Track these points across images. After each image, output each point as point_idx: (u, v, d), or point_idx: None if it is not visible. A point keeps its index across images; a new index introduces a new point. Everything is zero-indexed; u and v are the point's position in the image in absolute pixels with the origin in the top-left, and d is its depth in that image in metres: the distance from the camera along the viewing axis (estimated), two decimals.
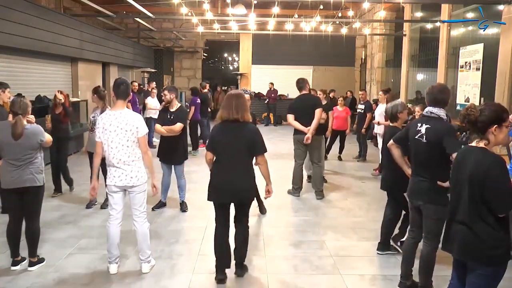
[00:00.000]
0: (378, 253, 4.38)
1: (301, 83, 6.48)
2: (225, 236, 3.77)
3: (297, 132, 6.37)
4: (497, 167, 2.41)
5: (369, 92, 14.63)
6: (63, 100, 6.07)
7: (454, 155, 3.10)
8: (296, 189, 6.55)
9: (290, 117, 6.38)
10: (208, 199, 3.70)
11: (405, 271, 3.63)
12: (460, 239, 2.56)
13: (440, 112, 3.34)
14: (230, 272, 3.92)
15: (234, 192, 3.63)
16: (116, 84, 3.80)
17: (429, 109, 3.38)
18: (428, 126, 3.32)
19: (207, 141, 3.78)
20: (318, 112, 6.22)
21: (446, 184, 3.21)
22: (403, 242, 4.14)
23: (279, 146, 10.93)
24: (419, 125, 3.39)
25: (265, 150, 3.72)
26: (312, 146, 6.33)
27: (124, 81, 3.86)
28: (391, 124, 4.39)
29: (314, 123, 6.18)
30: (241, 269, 3.88)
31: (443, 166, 3.25)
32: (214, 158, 3.70)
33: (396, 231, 4.44)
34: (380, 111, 8.13)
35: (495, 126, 2.47)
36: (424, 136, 3.32)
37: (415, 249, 3.64)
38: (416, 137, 3.38)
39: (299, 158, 6.49)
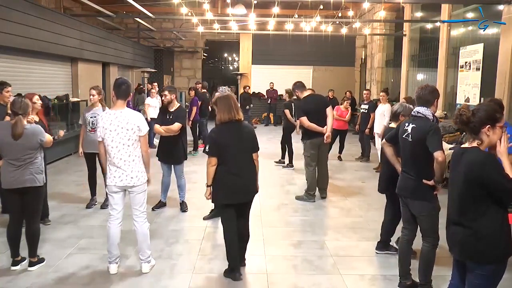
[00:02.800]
0: (376, 253, 4.38)
1: (300, 85, 6.40)
2: (235, 234, 3.82)
3: (313, 135, 6.18)
4: (489, 164, 2.42)
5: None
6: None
7: (436, 153, 3.19)
8: (312, 195, 6.33)
9: (305, 120, 6.14)
10: (219, 202, 3.80)
11: (402, 270, 3.64)
12: (458, 240, 2.57)
13: (427, 112, 3.38)
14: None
15: (246, 191, 3.77)
16: (117, 84, 3.80)
17: (417, 109, 3.43)
18: (414, 125, 3.39)
19: (207, 146, 3.82)
20: (330, 110, 6.26)
21: (431, 182, 3.34)
22: None
23: (279, 146, 10.92)
24: (406, 124, 3.47)
25: (259, 148, 3.89)
26: (326, 146, 6.38)
27: (125, 82, 3.85)
28: (389, 125, 4.39)
29: (331, 122, 6.22)
30: (242, 263, 3.99)
31: (428, 164, 3.30)
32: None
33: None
34: (380, 111, 8.14)
35: (488, 126, 2.48)
36: (410, 135, 3.40)
37: (409, 247, 3.66)
38: (404, 136, 3.47)
39: (314, 162, 6.34)
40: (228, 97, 3.77)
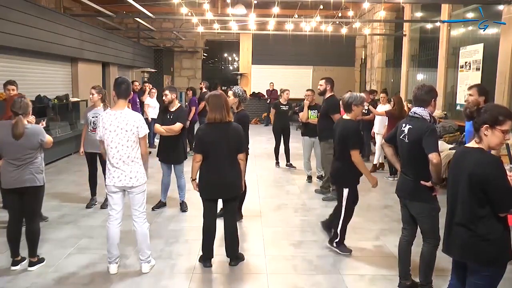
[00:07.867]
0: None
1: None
2: (214, 228, 4.05)
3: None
4: (494, 168, 2.41)
5: None
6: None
7: (431, 155, 3.16)
8: None
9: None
10: (200, 196, 3.99)
11: (402, 271, 3.63)
12: (460, 241, 2.56)
13: (423, 113, 3.34)
14: (231, 272, 3.94)
15: (226, 188, 3.91)
16: (117, 83, 3.78)
17: (413, 109, 3.40)
18: (410, 126, 3.36)
19: (194, 143, 3.96)
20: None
21: (429, 183, 3.30)
22: (338, 242, 4.34)
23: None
24: (403, 125, 3.44)
25: (247, 148, 4.02)
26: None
27: (125, 81, 3.84)
28: (344, 116, 4.38)
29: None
30: (236, 259, 4.09)
31: (426, 166, 3.26)
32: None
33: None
34: (380, 111, 8.18)
35: (486, 126, 2.46)
36: (406, 136, 3.36)
37: (409, 248, 3.63)
38: (401, 137, 3.44)
39: None
40: (220, 96, 3.89)
